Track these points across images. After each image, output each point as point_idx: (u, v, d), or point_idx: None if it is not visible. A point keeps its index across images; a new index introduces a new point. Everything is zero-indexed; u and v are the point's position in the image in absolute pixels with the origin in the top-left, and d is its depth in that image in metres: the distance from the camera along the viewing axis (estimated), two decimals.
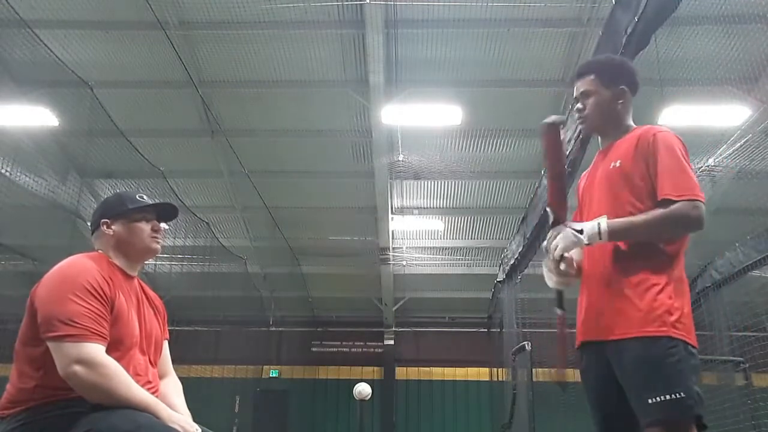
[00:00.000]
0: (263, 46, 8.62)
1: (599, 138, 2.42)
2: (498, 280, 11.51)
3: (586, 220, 2.25)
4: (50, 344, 1.95)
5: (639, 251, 2.12)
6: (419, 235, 13.46)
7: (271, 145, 10.82)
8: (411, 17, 8.05)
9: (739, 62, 6.09)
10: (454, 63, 8.81)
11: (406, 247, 13.52)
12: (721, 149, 7.01)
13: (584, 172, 2.48)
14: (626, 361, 2.03)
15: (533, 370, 7.90)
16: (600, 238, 2.10)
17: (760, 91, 6.25)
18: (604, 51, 4.54)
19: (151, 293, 2.38)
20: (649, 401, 1.95)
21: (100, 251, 2.25)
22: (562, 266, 2.20)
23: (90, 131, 8.40)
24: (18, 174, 8.33)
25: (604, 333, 2.11)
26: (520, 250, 8.90)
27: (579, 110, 2.37)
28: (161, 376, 2.33)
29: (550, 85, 9.11)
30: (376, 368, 15.66)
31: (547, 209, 2.24)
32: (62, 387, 1.94)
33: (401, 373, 15.77)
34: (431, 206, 12.35)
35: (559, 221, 2.21)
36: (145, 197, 2.32)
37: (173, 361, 2.44)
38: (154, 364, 2.25)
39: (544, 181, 7.39)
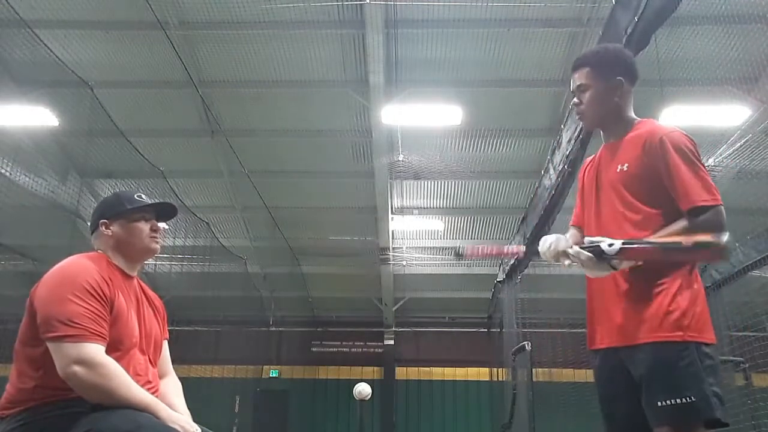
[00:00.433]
0: (263, 46, 8.62)
1: (602, 132, 2.34)
2: (498, 280, 11.53)
3: (590, 222, 2.23)
4: (50, 344, 1.94)
5: None
6: (419, 235, 13.45)
7: (271, 145, 10.82)
8: (411, 17, 8.05)
9: (739, 62, 6.08)
10: (454, 63, 8.81)
11: (406, 247, 13.52)
12: (721, 149, 6.99)
13: (588, 158, 2.42)
14: (640, 365, 2.02)
15: (533, 370, 7.91)
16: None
17: (760, 91, 6.23)
18: None
19: (150, 293, 2.38)
20: (659, 404, 1.94)
21: (99, 251, 2.25)
22: (567, 262, 2.13)
23: (90, 131, 8.38)
24: (18, 174, 8.31)
25: (616, 339, 2.10)
26: None
27: (576, 105, 2.30)
28: (161, 376, 2.33)
29: (550, 85, 9.10)
30: (376, 368, 15.65)
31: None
32: (62, 387, 1.93)
33: (401, 373, 15.76)
34: (431, 206, 12.35)
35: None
36: (143, 197, 2.32)
37: (173, 361, 2.44)
38: (153, 364, 2.25)
39: (545, 182, 7.40)
